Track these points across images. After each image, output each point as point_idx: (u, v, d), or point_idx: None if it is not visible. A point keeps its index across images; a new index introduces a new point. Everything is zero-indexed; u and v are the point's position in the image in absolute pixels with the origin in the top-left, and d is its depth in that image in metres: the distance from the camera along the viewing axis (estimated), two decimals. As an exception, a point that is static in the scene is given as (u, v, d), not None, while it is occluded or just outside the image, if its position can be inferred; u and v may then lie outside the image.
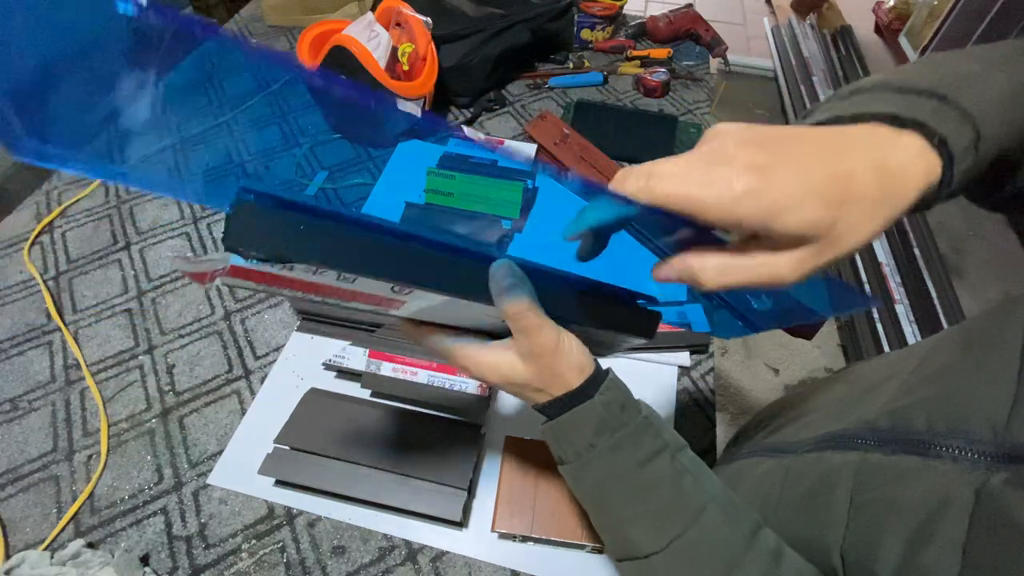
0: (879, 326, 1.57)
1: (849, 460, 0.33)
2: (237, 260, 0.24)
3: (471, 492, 0.54)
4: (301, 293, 0.30)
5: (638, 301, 0.39)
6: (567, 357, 0.34)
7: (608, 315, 0.37)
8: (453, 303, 0.31)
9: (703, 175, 0.24)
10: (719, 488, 0.35)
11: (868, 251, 1.72)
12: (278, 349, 0.65)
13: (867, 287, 1.65)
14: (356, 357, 0.61)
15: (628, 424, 0.35)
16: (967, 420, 0.28)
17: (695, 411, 0.61)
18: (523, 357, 0.34)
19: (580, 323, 0.35)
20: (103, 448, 0.57)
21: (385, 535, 0.52)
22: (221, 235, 0.23)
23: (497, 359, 0.35)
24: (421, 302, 0.32)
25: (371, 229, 0.25)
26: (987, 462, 0.26)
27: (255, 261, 0.24)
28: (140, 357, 0.64)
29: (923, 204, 0.27)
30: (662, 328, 0.64)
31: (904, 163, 0.25)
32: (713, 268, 0.26)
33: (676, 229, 0.26)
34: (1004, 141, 0.28)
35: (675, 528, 0.33)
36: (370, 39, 0.82)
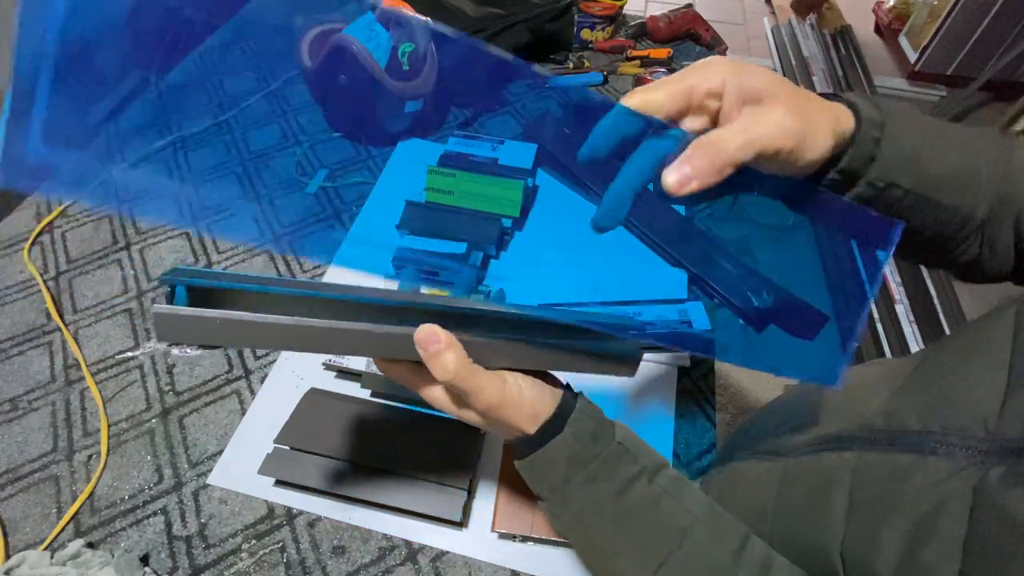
0: (879, 326, 1.57)
1: (846, 460, 0.34)
2: (176, 351, 0.28)
3: (471, 492, 0.54)
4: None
5: (628, 332, 0.37)
6: (515, 408, 0.33)
7: (575, 363, 0.35)
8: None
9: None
10: (702, 504, 0.34)
11: (868, 251, 1.72)
12: (278, 349, 0.65)
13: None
14: (356, 357, 0.61)
15: (601, 454, 0.34)
16: (960, 417, 0.28)
17: (695, 411, 0.61)
18: (473, 411, 0.34)
19: (552, 369, 0.34)
20: (103, 448, 0.57)
21: (385, 535, 0.52)
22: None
23: (457, 409, 0.35)
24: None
25: (289, 309, 0.28)
26: (981, 457, 0.26)
27: (189, 349, 0.28)
28: (140, 357, 0.64)
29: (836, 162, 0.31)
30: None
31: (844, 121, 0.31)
32: (736, 137, 0.28)
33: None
34: (911, 162, 0.32)
35: (660, 555, 0.32)
36: (370, 39, 0.82)
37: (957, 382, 0.31)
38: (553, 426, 0.33)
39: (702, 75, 0.29)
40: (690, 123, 0.30)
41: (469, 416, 0.35)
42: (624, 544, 0.33)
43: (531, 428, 0.33)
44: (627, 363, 0.35)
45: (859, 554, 0.30)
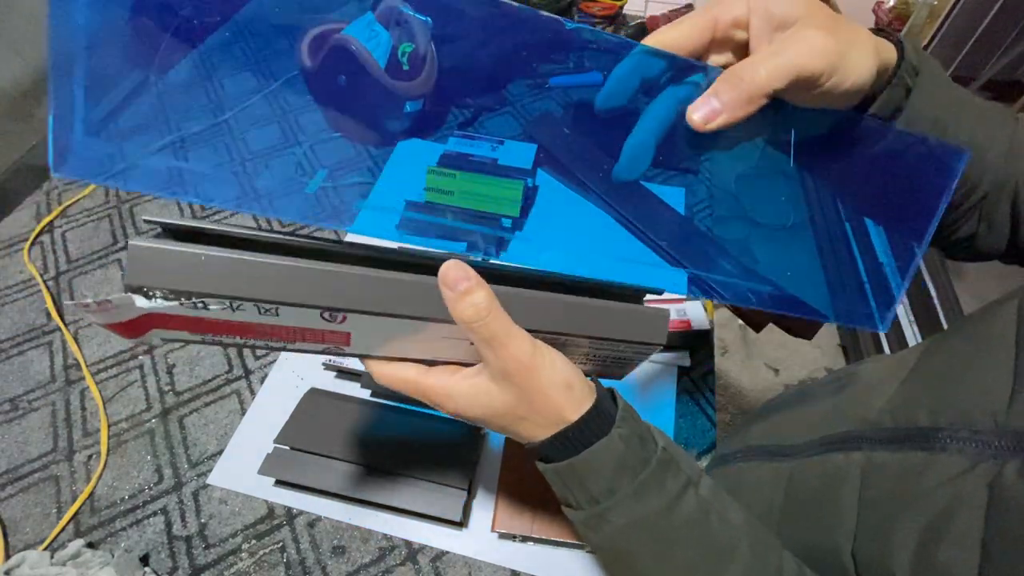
0: (879, 326, 1.57)
1: (854, 460, 0.33)
2: (142, 302, 0.23)
3: (471, 492, 0.54)
4: (240, 339, 0.28)
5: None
6: (547, 371, 0.28)
7: (606, 320, 0.30)
8: (404, 328, 0.28)
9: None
10: (740, 514, 0.32)
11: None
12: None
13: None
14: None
15: (650, 461, 0.29)
16: (968, 412, 0.28)
17: (695, 411, 0.61)
18: (495, 378, 0.28)
19: (573, 333, 0.30)
20: (103, 448, 0.57)
21: (385, 535, 0.52)
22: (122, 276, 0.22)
23: (469, 387, 0.29)
24: (366, 332, 0.28)
25: (286, 251, 0.24)
26: (993, 452, 0.26)
27: (159, 301, 0.23)
28: (140, 357, 0.64)
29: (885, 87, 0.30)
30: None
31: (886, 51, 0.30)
32: (766, 63, 0.25)
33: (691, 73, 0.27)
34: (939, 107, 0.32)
35: None
36: (370, 39, 0.82)
37: (962, 377, 0.30)
38: (595, 424, 0.29)
39: (725, 4, 0.27)
40: (715, 59, 0.28)
41: (490, 397, 0.29)
42: (672, 568, 0.30)
43: (564, 400, 0.28)
44: (655, 322, 0.31)
45: (872, 555, 0.29)
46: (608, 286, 0.31)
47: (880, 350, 1.53)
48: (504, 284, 0.28)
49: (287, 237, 0.25)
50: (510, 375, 0.28)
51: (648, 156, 0.29)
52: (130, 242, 0.22)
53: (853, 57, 0.26)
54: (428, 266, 0.27)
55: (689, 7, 1.13)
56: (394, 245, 0.29)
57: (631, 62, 0.28)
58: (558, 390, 0.28)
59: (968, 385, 0.30)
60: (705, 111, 0.25)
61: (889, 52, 0.29)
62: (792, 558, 0.32)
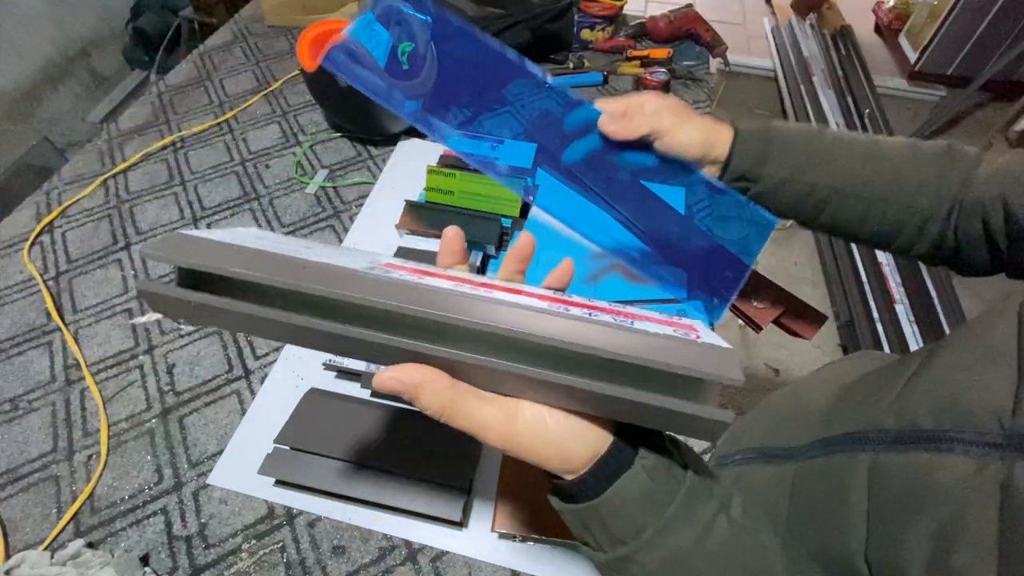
0: (879, 326, 1.57)
1: (860, 462, 0.33)
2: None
3: (471, 492, 0.54)
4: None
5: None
6: (535, 451, 0.27)
7: (639, 416, 0.24)
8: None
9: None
10: (769, 531, 0.31)
11: (868, 251, 1.72)
12: (278, 349, 0.65)
13: (866, 286, 1.65)
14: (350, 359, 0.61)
15: (678, 491, 0.27)
16: (972, 414, 0.28)
17: (695, 411, 0.61)
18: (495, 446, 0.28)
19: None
20: (103, 448, 0.57)
21: (385, 535, 0.52)
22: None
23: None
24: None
25: (271, 297, 0.26)
26: (1000, 453, 0.26)
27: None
28: (140, 357, 0.64)
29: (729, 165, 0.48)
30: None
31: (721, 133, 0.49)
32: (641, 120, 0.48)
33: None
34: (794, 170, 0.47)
35: None
36: (370, 39, 0.82)
37: (964, 380, 0.30)
38: (615, 461, 0.26)
39: (636, 109, 0.49)
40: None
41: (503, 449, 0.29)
42: None
43: (569, 475, 0.27)
44: (709, 427, 0.23)
45: (886, 558, 0.29)
46: (652, 371, 0.23)
47: (880, 351, 1.53)
48: (524, 359, 0.25)
49: (273, 279, 0.25)
50: (502, 447, 0.28)
51: (581, 154, 0.51)
52: (136, 285, 0.26)
53: (684, 129, 0.47)
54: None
55: (689, 7, 1.13)
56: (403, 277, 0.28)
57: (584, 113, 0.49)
58: (552, 463, 0.27)
59: (970, 389, 0.29)
60: (609, 126, 0.47)
61: (724, 132, 0.48)
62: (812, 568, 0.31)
